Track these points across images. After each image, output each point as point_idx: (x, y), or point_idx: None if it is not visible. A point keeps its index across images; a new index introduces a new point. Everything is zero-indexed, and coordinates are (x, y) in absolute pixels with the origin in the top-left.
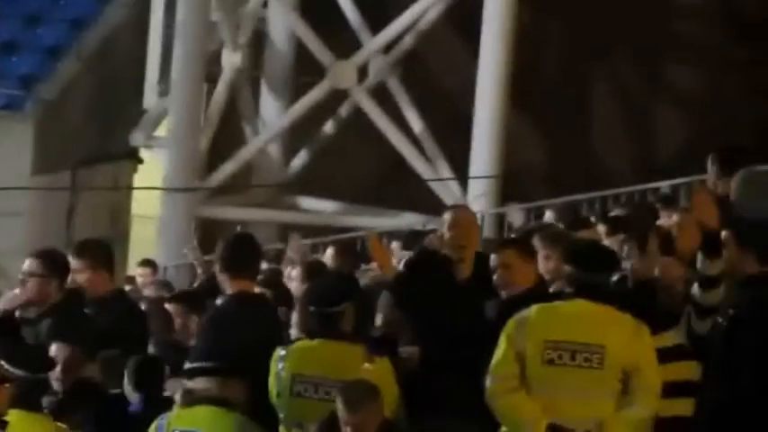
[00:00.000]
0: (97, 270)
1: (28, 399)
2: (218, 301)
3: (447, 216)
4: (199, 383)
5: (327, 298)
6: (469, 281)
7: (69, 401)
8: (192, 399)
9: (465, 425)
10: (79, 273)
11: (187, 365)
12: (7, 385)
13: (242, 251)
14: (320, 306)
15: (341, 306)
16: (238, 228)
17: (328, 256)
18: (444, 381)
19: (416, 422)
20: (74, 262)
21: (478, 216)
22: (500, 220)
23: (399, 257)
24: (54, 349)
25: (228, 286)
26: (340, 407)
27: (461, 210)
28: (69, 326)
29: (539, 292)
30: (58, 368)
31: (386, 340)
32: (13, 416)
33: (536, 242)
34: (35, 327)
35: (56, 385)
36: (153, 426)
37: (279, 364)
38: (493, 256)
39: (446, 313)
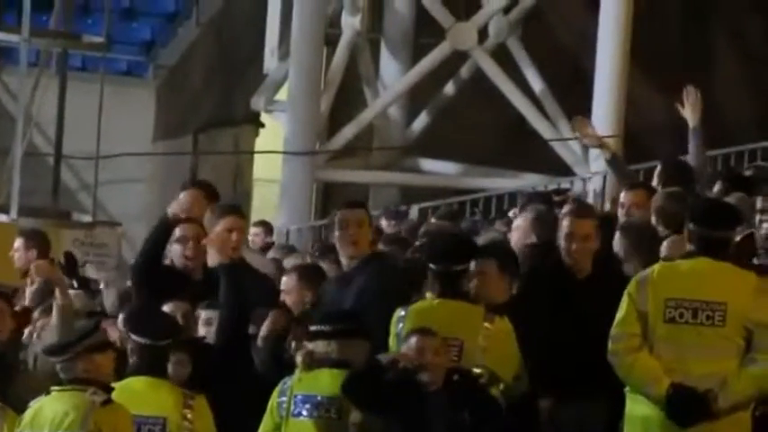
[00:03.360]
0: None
1: (153, 366)
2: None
3: (565, 223)
4: (319, 347)
5: (448, 256)
6: (589, 280)
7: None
8: (312, 362)
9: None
10: (238, 231)
11: (309, 328)
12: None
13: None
14: (441, 265)
15: (462, 265)
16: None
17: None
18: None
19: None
20: (237, 220)
21: (600, 177)
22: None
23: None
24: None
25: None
26: None
27: (578, 220)
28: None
29: None
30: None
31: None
32: (139, 383)
33: None
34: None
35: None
36: (276, 390)
37: (398, 324)
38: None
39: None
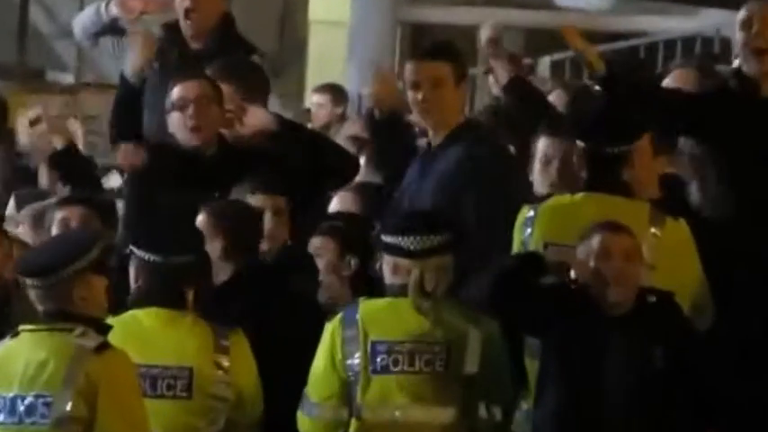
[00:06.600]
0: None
1: (168, 292)
2: None
3: (742, 12)
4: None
5: (605, 132)
6: None
7: None
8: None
9: None
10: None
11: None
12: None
13: None
14: (593, 144)
15: (623, 146)
16: None
17: None
18: None
19: None
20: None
21: None
22: None
23: None
24: None
25: None
26: None
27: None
28: None
29: None
30: None
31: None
32: (150, 317)
33: None
34: None
35: None
36: (331, 329)
37: (526, 229)
38: None
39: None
